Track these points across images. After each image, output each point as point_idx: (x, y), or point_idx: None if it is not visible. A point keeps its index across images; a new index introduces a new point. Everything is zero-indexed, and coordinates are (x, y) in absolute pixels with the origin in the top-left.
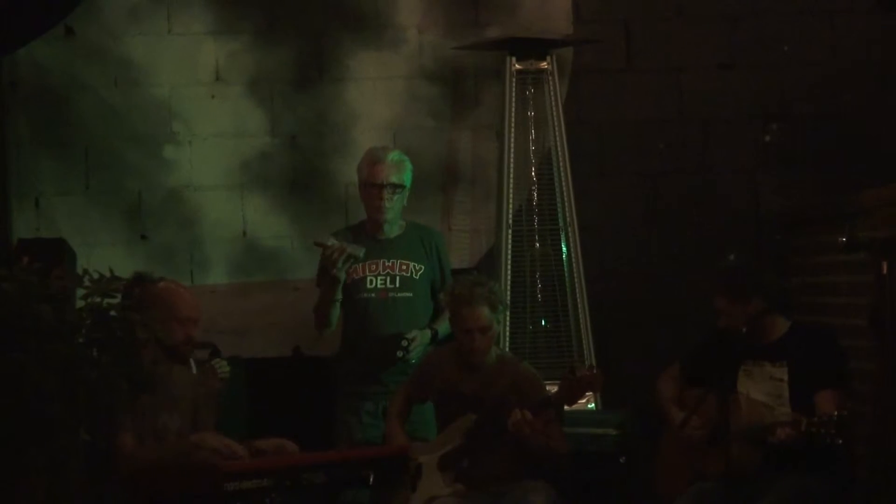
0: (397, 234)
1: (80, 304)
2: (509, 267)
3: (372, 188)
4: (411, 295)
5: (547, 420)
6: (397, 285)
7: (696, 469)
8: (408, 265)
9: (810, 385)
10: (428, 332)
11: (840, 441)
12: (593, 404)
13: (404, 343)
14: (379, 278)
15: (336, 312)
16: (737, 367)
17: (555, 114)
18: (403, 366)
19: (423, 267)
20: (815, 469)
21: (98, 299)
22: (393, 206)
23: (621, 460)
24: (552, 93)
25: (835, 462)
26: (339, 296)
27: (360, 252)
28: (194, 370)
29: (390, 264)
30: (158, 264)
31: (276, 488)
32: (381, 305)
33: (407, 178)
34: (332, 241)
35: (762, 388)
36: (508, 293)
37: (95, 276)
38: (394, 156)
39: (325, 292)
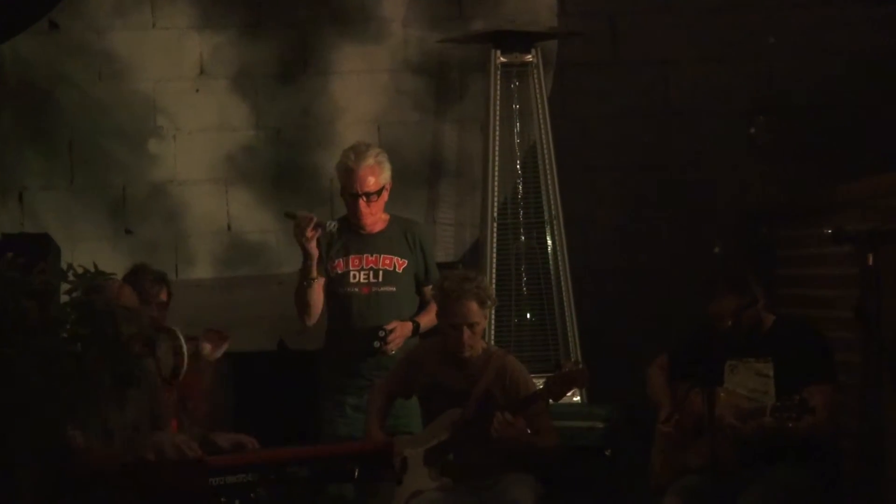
0: (380, 228)
1: (64, 299)
2: (494, 260)
3: (349, 197)
4: (395, 289)
5: (536, 413)
6: (380, 280)
7: (683, 463)
8: (391, 259)
9: (797, 380)
10: (410, 325)
11: (790, 424)
12: (579, 398)
13: (381, 334)
14: (362, 273)
15: (315, 298)
16: (722, 363)
17: (540, 107)
18: (387, 360)
19: (406, 261)
20: (801, 461)
21: (82, 294)
22: (372, 211)
23: (607, 453)
24: (537, 86)
25: (820, 454)
26: (315, 274)
27: (331, 223)
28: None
29: (373, 259)
30: (143, 259)
31: (261, 482)
32: (364, 300)
33: (384, 178)
34: (302, 211)
35: (748, 384)
36: (493, 287)
37: (80, 270)
38: (368, 161)
39: (302, 271)
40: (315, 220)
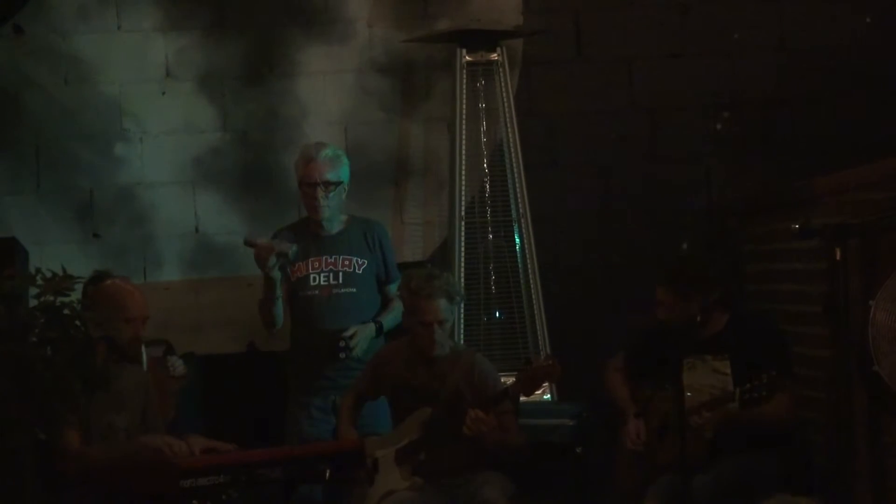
0: (339, 229)
1: (32, 303)
2: (463, 259)
3: (307, 187)
4: (355, 290)
5: (503, 412)
6: (340, 281)
7: (652, 463)
8: (350, 260)
9: (754, 375)
10: (372, 326)
11: (762, 404)
12: (549, 395)
13: (342, 344)
14: (322, 275)
15: (279, 310)
16: (680, 361)
17: (506, 105)
18: (351, 360)
19: (365, 261)
20: (763, 450)
21: (51, 298)
22: (329, 204)
23: (577, 451)
24: (503, 84)
25: (780, 445)
26: (279, 293)
27: (291, 249)
28: (145, 367)
29: (332, 261)
30: (111, 262)
31: (232, 484)
32: (325, 302)
33: (343, 173)
34: (262, 240)
35: (707, 382)
36: (462, 285)
37: (48, 274)
38: (327, 152)
39: (264, 291)
40: (275, 249)
